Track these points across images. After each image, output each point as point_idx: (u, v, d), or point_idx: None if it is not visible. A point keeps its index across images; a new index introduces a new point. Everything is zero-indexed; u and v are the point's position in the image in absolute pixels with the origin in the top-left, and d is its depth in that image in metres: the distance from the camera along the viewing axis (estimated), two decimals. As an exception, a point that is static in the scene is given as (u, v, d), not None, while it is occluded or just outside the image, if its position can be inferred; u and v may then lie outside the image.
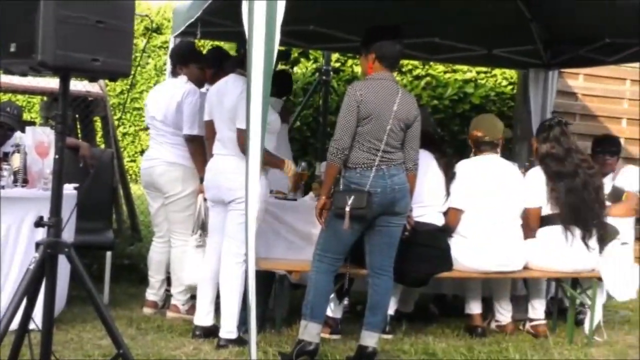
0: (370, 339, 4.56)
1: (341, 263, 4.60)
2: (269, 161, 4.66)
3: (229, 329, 4.71)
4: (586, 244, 5.31)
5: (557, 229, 5.33)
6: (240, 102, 4.48)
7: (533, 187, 5.39)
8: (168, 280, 5.63)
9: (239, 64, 4.81)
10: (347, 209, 4.32)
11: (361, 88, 4.45)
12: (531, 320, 5.64)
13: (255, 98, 3.72)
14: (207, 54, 6.05)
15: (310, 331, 4.50)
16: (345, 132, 4.39)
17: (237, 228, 4.59)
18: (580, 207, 5.31)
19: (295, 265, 4.95)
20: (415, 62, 8.92)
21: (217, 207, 4.86)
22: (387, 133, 4.42)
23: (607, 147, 6.27)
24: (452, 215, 5.26)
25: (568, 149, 5.42)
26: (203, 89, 5.57)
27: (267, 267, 4.95)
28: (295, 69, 8.91)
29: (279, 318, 5.17)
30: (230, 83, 4.82)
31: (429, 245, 5.05)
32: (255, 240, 4.03)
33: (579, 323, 5.80)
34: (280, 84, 6.17)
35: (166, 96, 5.42)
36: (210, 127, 4.94)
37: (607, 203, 5.64)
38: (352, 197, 4.34)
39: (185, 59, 5.53)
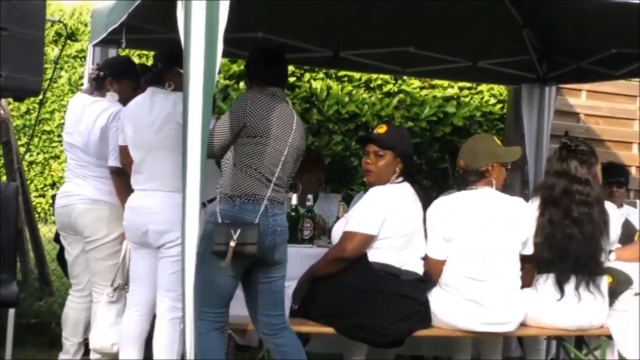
0: None
1: (226, 317, 4.57)
2: None
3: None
4: (592, 293, 5.33)
5: (553, 276, 5.33)
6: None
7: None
8: (87, 345, 5.56)
9: (156, 79, 4.89)
10: (232, 244, 4.22)
11: (252, 99, 4.52)
12: (528, 386, 5.67)
13: (193, 119, 3.70)
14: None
15: None
16: (219, 141, 4.47)
17: (170, 279, 4.57)
18: (578, 249, 5.33)
19: (243, 323, 4.90)
20: (386, 77, 9.00)
21: (141, 250, 4.84)
22: (282, 163, 4.50)
23: (614, 176, 6.35)
24: (430, 265, 5.20)
25: (564, 173, 5.43)
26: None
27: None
28: (241, 84, 8.92)
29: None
30: (151, 99, 4.87)
31: (408, 297, 5.03)
32: (194, 292, 3.99)
33: (586, 390, 5.84)
34: None
35: (89, 118, 5.40)
36: (126, 153, 4.97)
37: (617, 245, 5.69)
38: (239, 230, 4.25)
39: (120, 72, 5.56)
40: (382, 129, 5.22)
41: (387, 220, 5.00)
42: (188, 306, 3.73)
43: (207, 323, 4.46)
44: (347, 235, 4.97)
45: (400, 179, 5.17)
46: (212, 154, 4.50)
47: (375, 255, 5.03)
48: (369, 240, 4.99)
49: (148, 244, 4.76)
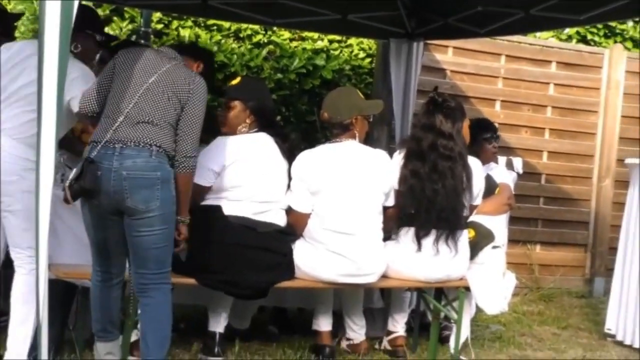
0: None
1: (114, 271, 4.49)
2: None
3: (17, 353, 4.55)
4: (450, 247, 5.42)
5: (413, 229, 5.41)
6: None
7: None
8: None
9: None
10: (67, 183, 4.14)
11: (126, 50, 4.51)
12: (389, 333, 5.78)
13: (48, 69, 3.56)
14: None
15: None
16: (91, 91, 4.43)
17: (24, 236, 4.47)
18: (441, 203, 5.42)
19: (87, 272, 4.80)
20: (256, 27, 8.91)
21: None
22: (137, 98, 4.29)
23: (489, 131, 6.55)
24: (295, 218, 5.25)
25: (430, 127, 5.48)
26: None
27: (68, 277, 4.81)
28: (107, 29, 8.69)
29: (81, 339, 5.06)
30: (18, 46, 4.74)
31: (269, 250, 5.06)
32: (50, 243, 3.89)
33: (444, 340, 5.99)
34: None
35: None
36: None
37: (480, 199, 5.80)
38: (74, 171, 4.18)
39: None
40: (235, 81, 5.31)
41: (226, 171, 5.01)
42: (42, 259, 3.64)
43: (94, 272, 4.48)
44: None
45: (255, 129, 5.18)
46: (83, 106, 4.46)
47: (231, 207, 5.02)
48: (198, 189, 4.89)
49: None
